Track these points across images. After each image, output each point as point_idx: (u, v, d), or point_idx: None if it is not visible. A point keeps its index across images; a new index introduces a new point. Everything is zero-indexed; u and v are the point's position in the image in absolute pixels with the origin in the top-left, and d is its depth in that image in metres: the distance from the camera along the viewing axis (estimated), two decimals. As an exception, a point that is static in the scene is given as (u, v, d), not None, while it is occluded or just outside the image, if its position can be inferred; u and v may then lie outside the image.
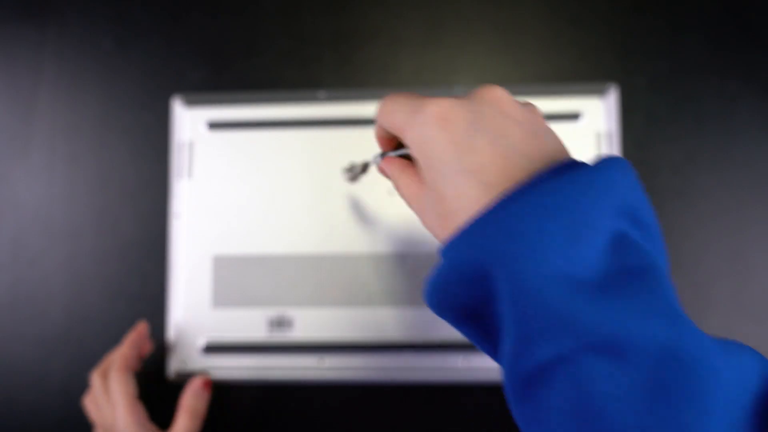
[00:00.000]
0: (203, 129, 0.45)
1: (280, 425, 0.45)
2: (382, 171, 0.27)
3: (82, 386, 0.46)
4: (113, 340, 0.46)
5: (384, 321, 0.43)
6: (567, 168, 0.19)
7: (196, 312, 0.44)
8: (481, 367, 0.42)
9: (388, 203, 0.44)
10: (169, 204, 0.46)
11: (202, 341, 0.43)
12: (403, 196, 0.25)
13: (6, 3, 0.49)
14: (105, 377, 0.40)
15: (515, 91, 0.45)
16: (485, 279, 0.18)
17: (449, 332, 0.43)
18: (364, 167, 0.37)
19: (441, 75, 0.47)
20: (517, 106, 0.22)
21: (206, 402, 0.41)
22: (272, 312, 0.43)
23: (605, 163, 0.20)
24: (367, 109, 0.45)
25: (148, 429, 0.38)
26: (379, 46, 0.48)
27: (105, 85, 0.48)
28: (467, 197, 0.19)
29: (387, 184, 0.44)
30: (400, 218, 0.44)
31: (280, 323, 0.43)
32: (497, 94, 0.22)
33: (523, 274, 0.17)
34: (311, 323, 0.43)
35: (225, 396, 0.45)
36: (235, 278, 0.44)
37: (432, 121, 0.20)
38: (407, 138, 0.22)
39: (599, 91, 0.44)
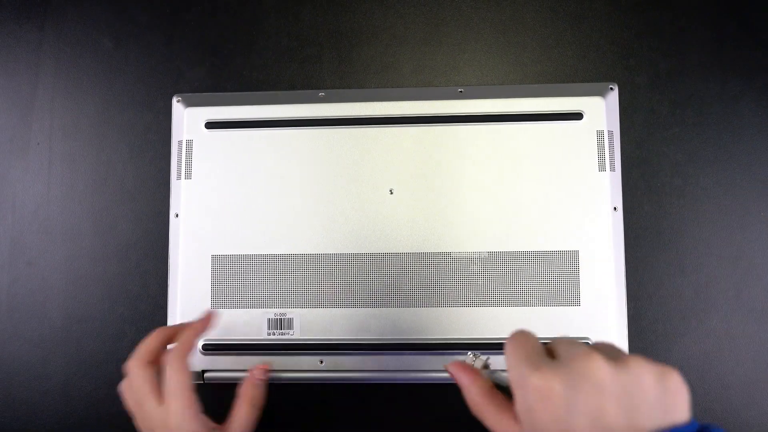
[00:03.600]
0: (202, 128, 0.45)
1: (280, 425, 0.45)
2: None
3: (82, 386, 0.46)
4: (112, 340, 0.46)
5: (384, 321, 0.43)
6: None
7: (195, 312, 0.43)
8: (482, 367, 0.42)
9: (388, 203, 0.44)
10: (167, 204, 0.45)
11: (201, 341, 0.43)
12: (491, 427, 0.26)
13: (6, 3, 0.49)
14: (149, 368, 0.34)
15: (516, 92, 0.44)
16: None
17: (449, 332, 0.42)
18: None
19: (441, 74, 0.47)
20: (615, 377, 0.22)
21: (264, 391, 0.39)
22: (272, 312, 0.43)
23: None
24: (366, 108, 0.45)
25: (205, 422, 0.35)
26: (379, 45, 0.47)
27: (103, 84, 0.48)
28: None
29: (387, 184, 0.44)
30: (400, 218, 0.43)
31: (280, 323, 0.43)
32: (594, 365, 0.22)
33: None
34: (311, 323, 0.43)
35: (225, 396, 0.45)
36: (235, 278, 0.44)
37: (534, 396, 0.22)
38: (515, 395, 0.24)
39: (600, 91, 0.44)
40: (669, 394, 0.22)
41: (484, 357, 0.31)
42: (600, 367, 0.22)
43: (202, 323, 0.38)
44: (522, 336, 0.26)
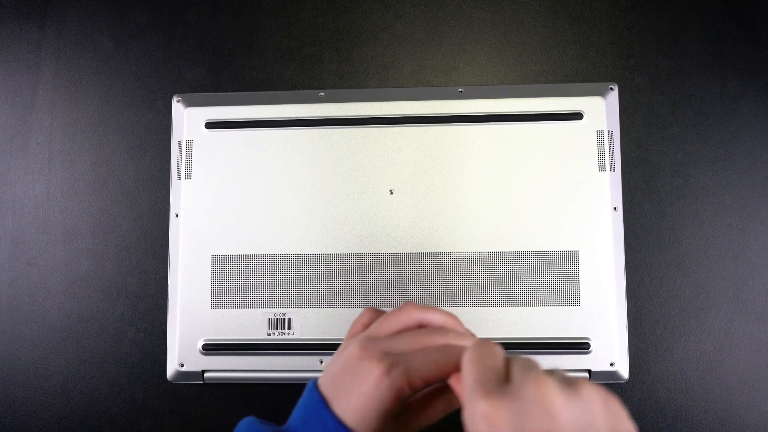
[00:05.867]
0: (202, 128, 0.45)
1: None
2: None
3: (82, 386, 0.46)
4: (112, 340, 0.46)
5: (384, 321, 0.43)
6: None
7: (195, 312, 0.43)
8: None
9: (388, 203, 0.44)
10: (167, 204, 0.45)
11: (201, 341, 0.43)
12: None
13: (6, 3, 0.49)
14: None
15: (516, 92, 0.44)
16: None
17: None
18: None
19: (441, 74, 0.47)
20: (567, 406, 0.21)
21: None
22: (272, 312, 0.43)
23: None
24: (366, 108, 0.45)
25: None
26: (379, 45, 0.47)
27: (103, 84, 0.48)
28: None
29: (387, 184, 0.44)
30: (400, 218, 0.43)
31: (280, 323, 0.43)
32: (547, 393, 0.21)
33: None
34: (311, 323, 0.43)
35: (224, 396, 0.45)
36: (234, 278, 0.44)
37: (482, 423, 0.21)
38: (464, 416, 0.23)
39: (600, 91, 0.44)
40: (616, 420, 0.21)
41: None
42: (552, 395, 0.21)
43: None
44: (481, 350, 0.24)
